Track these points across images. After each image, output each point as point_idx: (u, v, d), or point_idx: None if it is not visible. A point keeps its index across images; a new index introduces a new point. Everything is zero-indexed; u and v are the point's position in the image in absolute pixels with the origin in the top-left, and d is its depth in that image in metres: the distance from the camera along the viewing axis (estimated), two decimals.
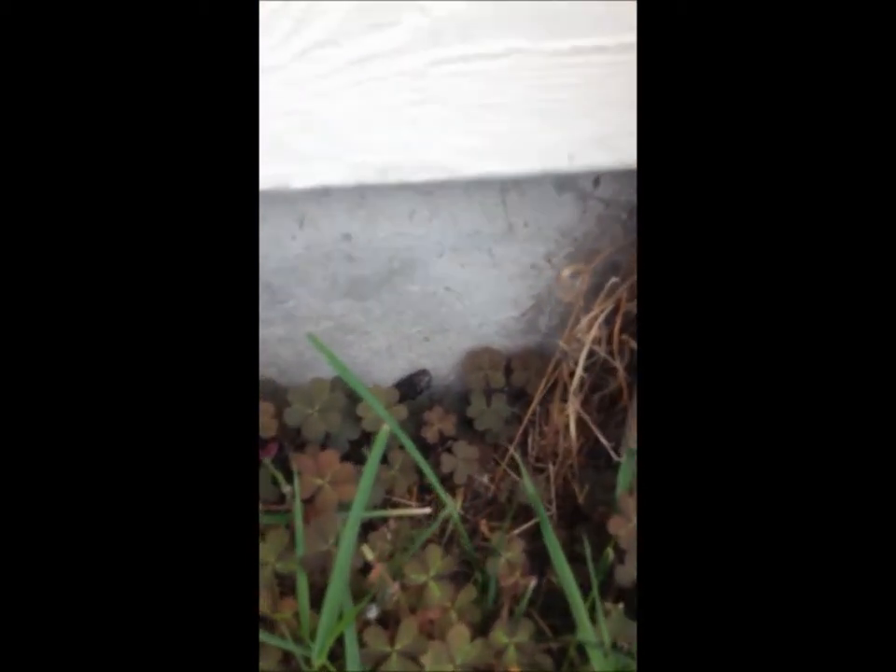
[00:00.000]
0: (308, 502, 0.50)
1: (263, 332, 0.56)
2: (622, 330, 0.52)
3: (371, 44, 0.35)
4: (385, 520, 0.56)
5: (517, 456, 0.59)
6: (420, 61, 0.36)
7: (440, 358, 0.62)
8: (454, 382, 0.64)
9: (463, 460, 0.60)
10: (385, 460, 0.58)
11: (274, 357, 0.59)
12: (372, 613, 0.48)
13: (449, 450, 0.60)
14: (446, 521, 0.60)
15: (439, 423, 0.60)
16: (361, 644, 0.47)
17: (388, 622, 0.50)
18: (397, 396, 0.59)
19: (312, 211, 0.48)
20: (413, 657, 0.47)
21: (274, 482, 0.54)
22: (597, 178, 0.49)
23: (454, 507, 0.50)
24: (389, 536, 0.54)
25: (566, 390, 0.57)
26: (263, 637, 0.46)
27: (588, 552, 0.50)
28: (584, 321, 0.51)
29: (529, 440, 0.62)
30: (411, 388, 0.62)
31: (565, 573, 0.50)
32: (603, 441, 0.56)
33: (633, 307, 0.52)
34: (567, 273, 0.50)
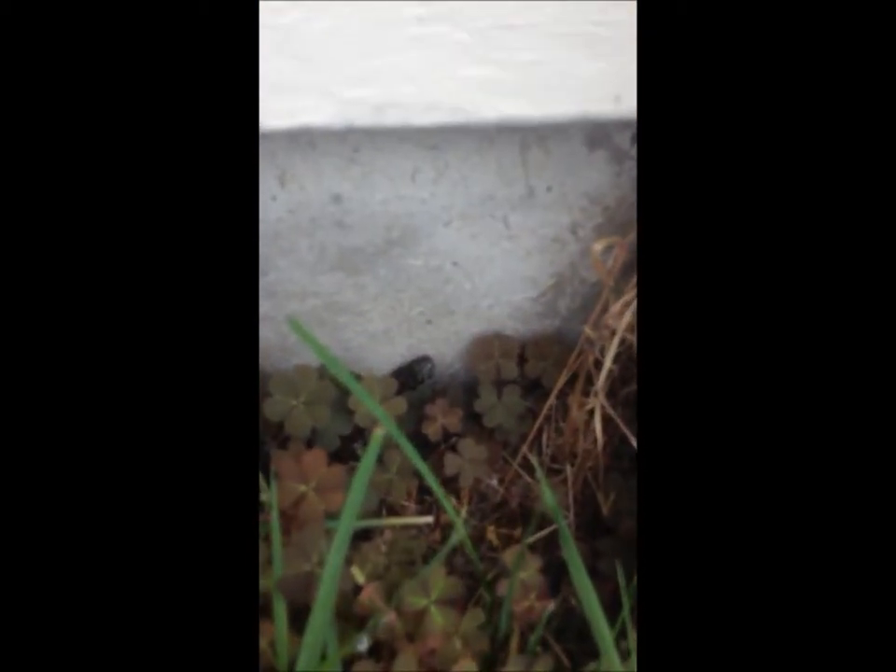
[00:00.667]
0: (289, 512, 0.43)
1: None
2: None
3: None
4: (380, 530, 0.50)
5: (532, 456, 0.54)
6: None
7: (444, 344, 0.57)
8: (459, 371, 0.59)
9: (469, 461, 0.55)
10: (379, 461, 0.52)
11: None
12: (363, 645, 0.41)
13: (453, 448, 0.55)
14: (448, 528, 0.54)
15: (442, 418, 0.55)
16: None
17: (381, 653, 0.43)
18: (395, 386, 0.54)
19: (295, 166, 0.41)
20: None
21: None
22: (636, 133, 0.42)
23: (458, 519, 0.44)
24: (384, 548, 0.48)
25: (588, 382, 0.52)
26: None
27: (620, 569, 0.44)
28: (616, 305, 0.45)
29: (544, 438, 0.58)
30: (410, 378, 0.57)
31: (588, 594, 0.43)
32: (632, 440, 0.50)
33: None
34: (597, 247, 0.43)
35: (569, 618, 0.51)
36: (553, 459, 0.57)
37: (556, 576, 0.51)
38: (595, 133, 0.42)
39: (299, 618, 0.41)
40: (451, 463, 0.54)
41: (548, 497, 0.46)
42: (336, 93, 0.31)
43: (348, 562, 0.44)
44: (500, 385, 0.56)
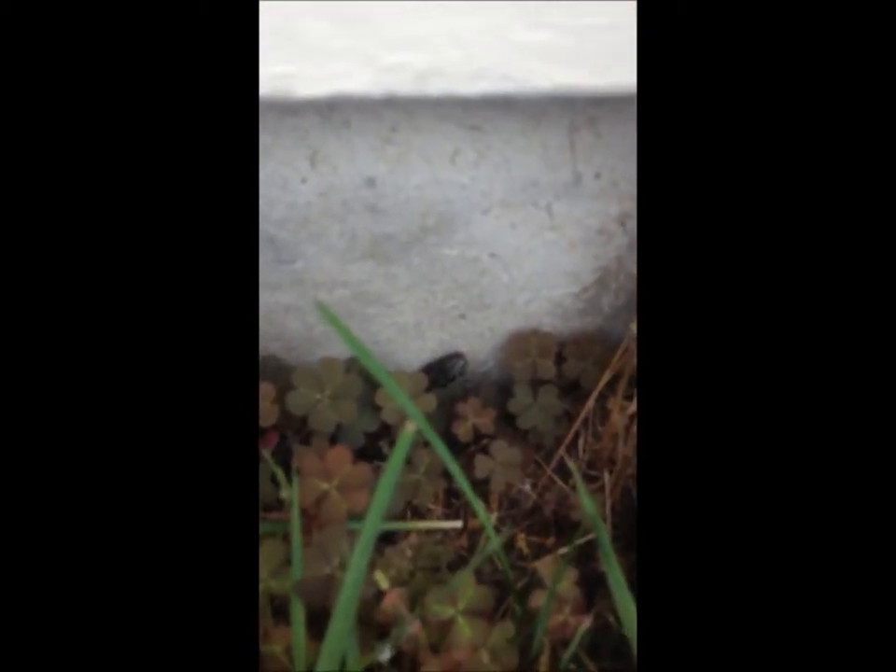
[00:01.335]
0: (310, 511, 0.41)
1: (266, 298, 0.49)
2: None
3: None
4: (405, 533, 0.48)
5: (568, 461, 0.52)
6: None
7: (478, 340, 0.54)
8: (493, 369, 0.57)
9: (501, 464, 0.53)
10: (407, 461, 0.50)
11: (280, 329, 0.51)
12: (385, 655, 0.39)
13: (485, 450, 0.53)
14: (479, 533, 0.52)
15: (474, 417, 0.53)
16: None
17: (403, 663, 0.41)
18: (424, 383, 0.52)
19: (328, 146, 0.39)
20: None
21: (274, 481, 0.46)
22: None
23: (490, 525, 0.41)
24: (409, 553, 0.46)
25: (630, 385, 0.50)
26: None
27: None
28: None
29: (581, 442, 0.56)
30: (441, 374, 0.55)
31: (629, 610, 0.41)
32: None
33: None
34: None
35: (604, 634, 0.48)
36: (590, 465, 0.55)
37: (590, 588, 0.48)
38: None
39: (317, 623, 0.40)
40: (482, 465, 0.52)
41: (587, 504, 0.44)
42: (376, 58, 0.28)
43: (371, 566, 0.42)
44: (536, 384, 0.54)
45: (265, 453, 0.47)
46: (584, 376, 0.53)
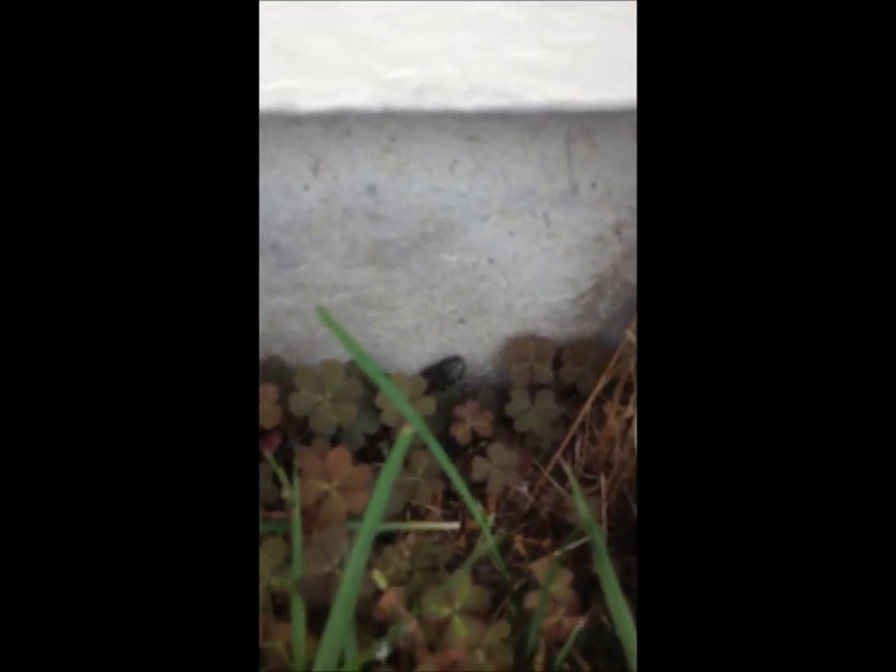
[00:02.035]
0: (311, 511, 0.42)
1: (268, 302, 0.50)
2: None
3: None
4: (403, 533, 0.49)
5: (564, 465, 0.53)
6: None
7: (476, 345, 0.55)
8: (491, 373, 0.57)
9: (498, 466, 0.53)
10: (405, 462, 0.51)
11: (281, 331, 0.52)
12: (382, 653, 0.40)
13: (482, 453, 0.54)
14: (474, 535, 0.53)
15: (472, 420, 0.54)
16: None
17: (400, 661, 0.42)
18: (423, 386, 0.53)
19: (330, 154, 0.40)
20: None
21: (275, 481, 0.47)
22: None
23: (487, 526, 0.42)
24: (407, 553, 0.46)
25: (627, 390, 0.51)
26: None
27: None
28: None
29: (578, 446, 0.56)
30: (440, 378, 0.56)
31: (621, 613, 0.41)
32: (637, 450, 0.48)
33: None
34: None
35: (598, 636, 0.49)
36: (587, 469, 0.55)
37: (585, 590, 0.49)
38: None
39: (317, 620, 0.40)
40: (479, 468, 0.52)
41: (582, 507, 0.44)
42: (375, 73, 0.29)
43: (370, 565, 0.43)
44: (534, 388, 0.54)
45: (267, 453, 0.48)
46: (581, 381, 0.54)
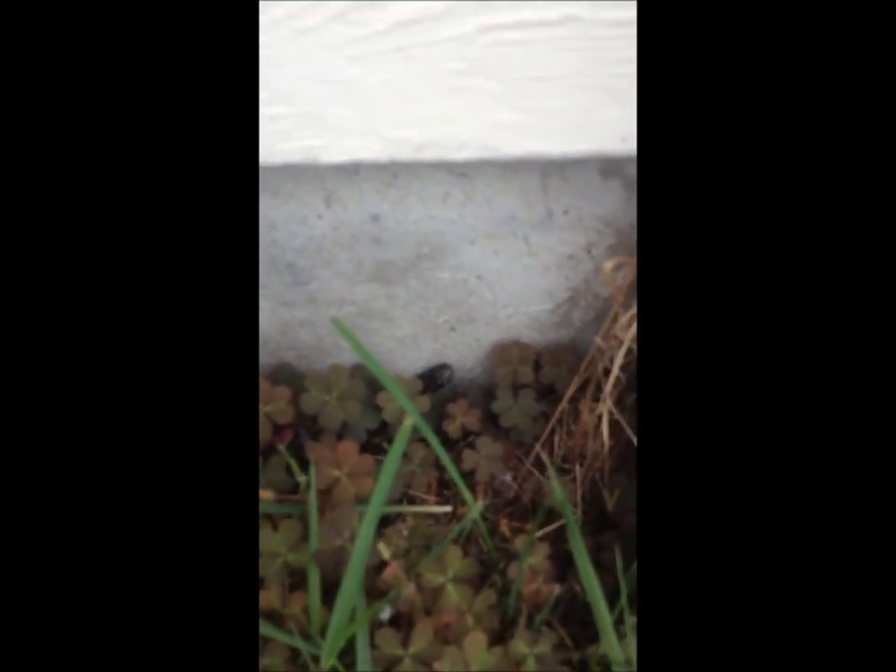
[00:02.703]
0: (323, 494, 0.48)
1: (284, 315, 0.55)
2: None
3: (416, 6, 0.32)
4: (401, 516, 0.54)
5: (544, 456, 0.57)
6: (467, 27, 0.33)
7: (466, 350, 0.60)
8: (479, 375, 0.62)
9: (486, 457, 0.58)
10: (403, 454, 0.56)
11: (294, 340, 0.57)
12: (385, 614, 0.46)
13: (472, 445, 0.58)
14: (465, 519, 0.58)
15: (462, 417, 0.59)
16: (372, 646, 0.45)
17: (401, 623, 0.47)
18: (420, 386, 0.57)
19: (341, 189, 0.45)
20: (426, 662, 0.45)
21: (288, 470, 0.52)
22: None
23: (475, 505, 0.48)
24: (405, 532, 0.52)
25: (598, 389, 0.55)
26: (271, 631, 0.44)
27: (619, 561, 0.47)
28: (625, 317, 0.48)
29: (556, 439, 0.60)
30: (432, 381, 0.60)
31: (591, 582, 0.47)
32: (636, 443, 0.53)
33: None
34: (609, 265, 0.47)
35: (573, 605, 0.53)
36: (564, 459, 0.60)
37: (562, 566, 0.54)
38: (608, 165, 0.46)
39: (327, 592, 0.46)
40: (469, 459, 0.57)
41: (558, 492, 0.50)
42: (384, 133, 0.36)
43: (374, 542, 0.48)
44: (517, 388, 0.58)
45: (281, 446, 0.53)
46: (558, 381, 0.58)
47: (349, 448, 0.49)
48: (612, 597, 0.48)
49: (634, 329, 0.49)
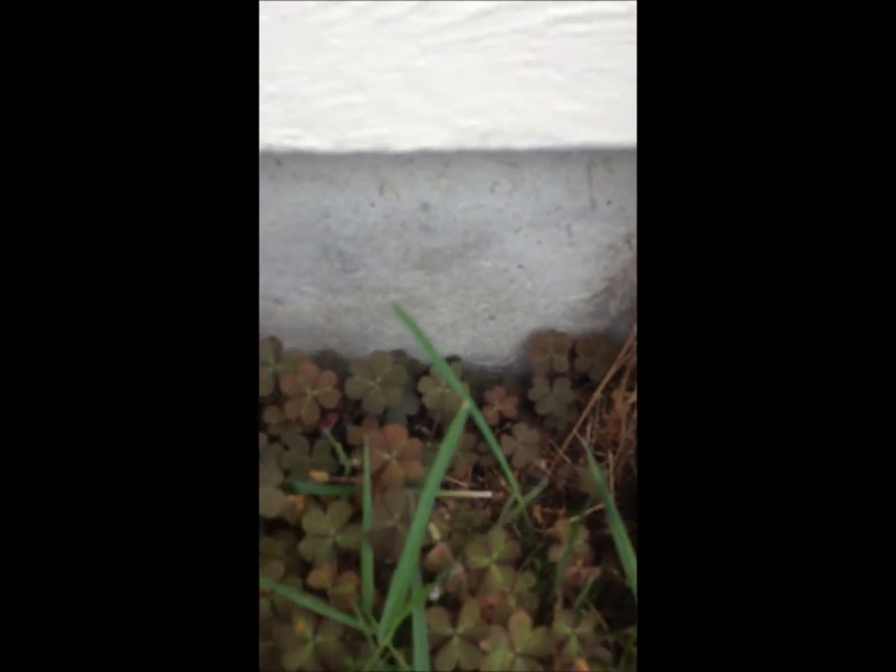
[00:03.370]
0: (373, 477, 0.49)
1: (331, 302, 0.55)
2: None
3: None
4: (441, 500, 0.55)
5: (584, 441, 0.58)
6: (538, 18, 0.34)
7: (503, 338, 0.61)
8: (516, 363, 0.63)
9: (522, 443, 0.59)
10: (443, 437, 0.57)
11: (338, 327, 0.58)
12: (434, 593, 0.47)
13: (509, 432, 0.59)
14: (501, 504, 0.60)
15: (499, 404, 0.59)
16: None
17: (447, 603, 0.49)
18: (459, 372, 0.59)
19: (394, 177, 0.46)
20: (474, 641, 0.46)
21: (333, 453, 0.53)
22: None
23: (519, 494, 0.49)
24: (447, 517, 0.53)
25: (632, 378, 0.56)
26: (325, 610, 0.45)
27: None
28: None
29: (589, 427, 0.61)
30: None
31: (631, 565, 0.48)
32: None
33: None
34: None
35: (609, 589, 0.55)
36: (597, 447, 0.60)
37: (597, 551, 0.55)
38: None
39: (377, 573, 0.46)
40: (506, 445, 0.58)
41: (597, 477, 0.51)
42: (451, 122, 0.37)
43: None
44: (552, 377, 0.59)
45: (326, 430, 0.54)
46: (593, 370, 0.59)
47: (398, 432, 0.50)
48: None
49: None
